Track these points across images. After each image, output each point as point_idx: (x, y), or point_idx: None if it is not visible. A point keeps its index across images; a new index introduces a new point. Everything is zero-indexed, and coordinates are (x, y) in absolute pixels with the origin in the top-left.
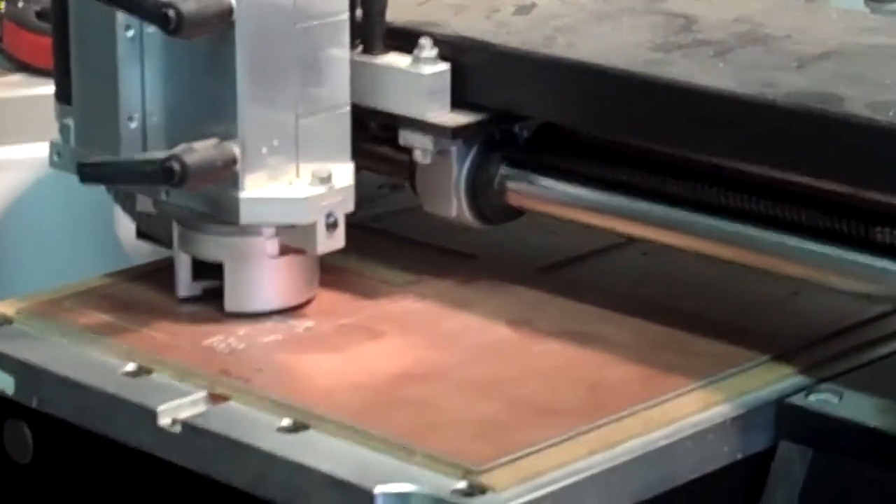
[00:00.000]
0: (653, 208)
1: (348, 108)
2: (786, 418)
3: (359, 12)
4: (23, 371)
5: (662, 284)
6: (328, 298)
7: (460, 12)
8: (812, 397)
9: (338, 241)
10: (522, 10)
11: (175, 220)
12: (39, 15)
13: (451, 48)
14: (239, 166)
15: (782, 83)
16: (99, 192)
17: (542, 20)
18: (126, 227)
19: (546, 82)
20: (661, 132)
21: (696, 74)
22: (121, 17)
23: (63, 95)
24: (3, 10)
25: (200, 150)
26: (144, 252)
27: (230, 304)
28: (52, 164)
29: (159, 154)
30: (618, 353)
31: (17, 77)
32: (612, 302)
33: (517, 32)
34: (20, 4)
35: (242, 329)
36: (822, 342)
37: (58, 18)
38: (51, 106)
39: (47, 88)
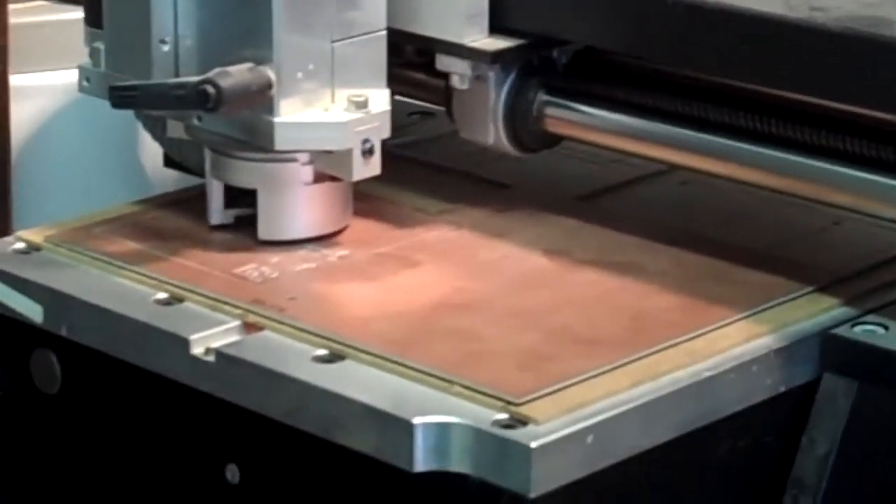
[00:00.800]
0: (693, 136)
1: (384, 33)
2: (830, 350)
3: None
4: (51, 299)
5: (702, 214)
6: (362, 227)
7: None
8: (857, 329)
9: (374, 167)
10: None
11: (207, 147)
12: None
13: None
14: (274, 91)
15: (830, 7)
16: (123, 119)
17: None
18: (152, 154)
19: (585, 5)
20: (704, 58)
21: None
22: None
23: (93, 19)
24: None
25: (235, 75)
26: (170, 180)
27: (264, 231)
28: (81, 88)
29: (193, 78)
30: (658, 282)
31: (40, 2)
32: (651, 231)
33: None
34: None
35: (275, 257)
36: (865, 273)
37: None
38: (75, 32)
39: (71, 14)
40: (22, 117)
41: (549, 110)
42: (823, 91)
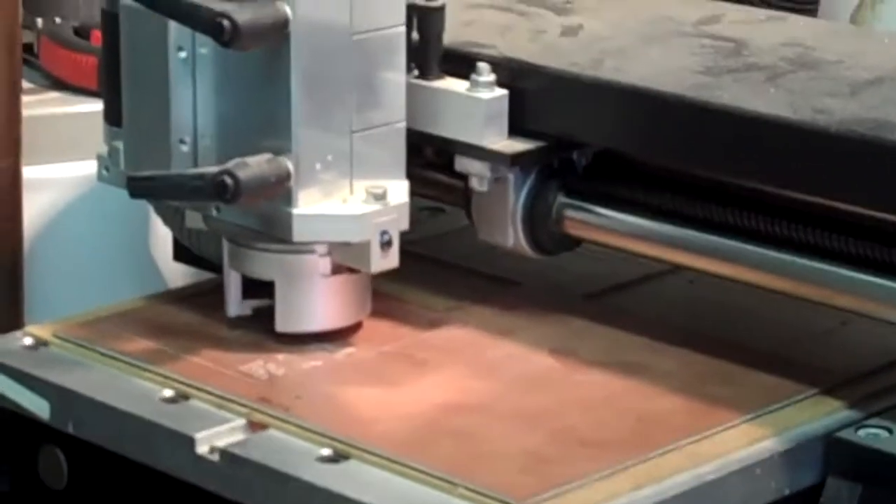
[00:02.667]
0: (706, 238)
1: (403, 124)
2: (834, 453)
3: (414, 35)
4: (58, 395)
5: (708, 314)
6: (369, 324)
7: (506, 33)
8: (861, 432)
9: (392, 260)
10: (569, 32)
11: (225, 238)
12: (77, 32)
13: (507, 73)
14: (292, 182)
15: (835, 109)
16: (134, 211)
17: (592, 41)
18: (162, 248)
19: (603, 108)
20: (712, 158)
21: (747, 99)
22: (173, 38)
23: (112, 117)
24: (40, 27)
25: (253, 166)
26: (179, 274)
27: (281, 324)
28: (100, 178)
29: (211, 169)
30: (663, 383)
31: (53, 94)
32: (658, 331)
33: (569, 54)
34: (57, 21)
35: (282, 354)
36: (871, 375)
37: (107, 39)
38: (88, 124)
39: (84, 106)
40: (34, 209)
41: (569, 213)
42: (828, 192)
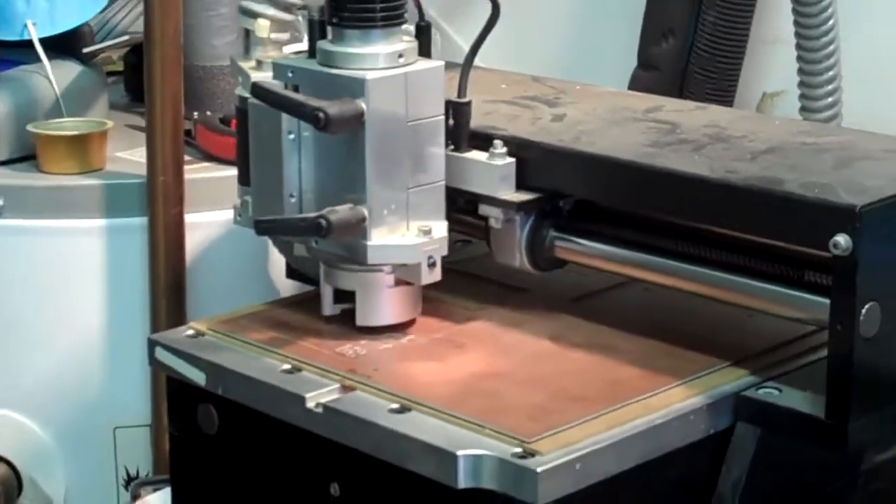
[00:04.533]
0: (653, 259)
1: (443, 183)
2: (742, 406)
3: (450, 122)
4: (211, 369)
5: (659, 311)
6: (422, 320)
7: (513, 120)
8: (760, 391)
9: (436, 275)
10: (558, 118)
11: (322, 261)
12: (222, 121)
13: (514, 147)
14: (367, 223)
15: (740, 170)
16: (259, 244)
17: (572, 125)
18: (278, 270)
19: (579, 170)
20: (656, 204)
21: (679, 164)
22: (285, 125)
23: (243, 179)
24: (196, 118)
25: (340, 212)
26: (290, 288)
27: (360, 320)
28: (235, 221)
29: (311, 214)
30: (627, 359)
31: (205, 164)
32: (624, 323)
33: (556, 133)
34: (208, 114)
35: (364, 340)
36: (767, 352)
37: (241, 126)
38: (228, 185)
39: (226, 172)
40: (193, 243)
41: (558, 243)
42: (736, 227)
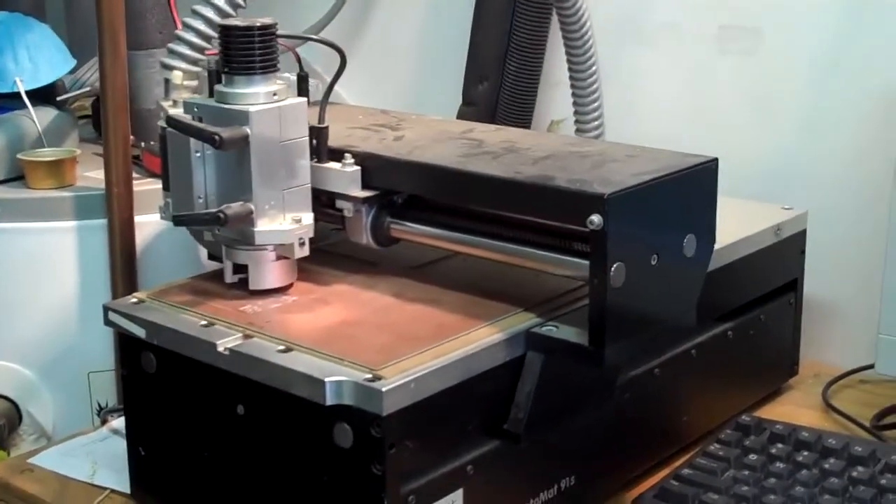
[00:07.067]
0: (465, 237)
1: (309, 186)
2: (531, 339)
3: (314, 141)
4: (149, 326)
5: (472, 274)
6: (303, 284)
7: (366, 140)
8: (543, 328)
9: (305, 251)
10: (398, 139)
11: (223, 244)
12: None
13: (361, 158)
14: (254, 215)
15: (525, 171)
16: (189, 239)
17: (408, 143)
18: (204, 254)
19: (408, 174)
20: (465, 197)
21: (482, 168)
22: (192, 145)
23: (165, 186)
24: (143, 146)
25: (234, 208)
26: (211, 267)
27: (252, 285)
28: (161, 217)
29: (213, 210)
30: (449, 309)
31: (150, 180)
32: (448, 284)
33: (395, 149)
34: (151, 143)
35: (259, 301)
36: (549, 300)
37: (163, 148)
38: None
39: (159, 183)
40: (140, 237)
41: (394, 226)
42: (522, 211)
